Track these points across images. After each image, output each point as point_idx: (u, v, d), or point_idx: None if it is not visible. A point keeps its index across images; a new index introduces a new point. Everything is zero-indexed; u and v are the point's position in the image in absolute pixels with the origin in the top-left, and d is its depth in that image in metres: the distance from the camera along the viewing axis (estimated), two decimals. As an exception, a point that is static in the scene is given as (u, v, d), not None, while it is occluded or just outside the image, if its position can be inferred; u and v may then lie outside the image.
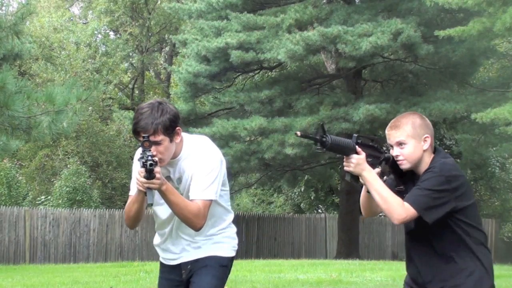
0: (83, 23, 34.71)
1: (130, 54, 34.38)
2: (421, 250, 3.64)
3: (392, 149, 3.65)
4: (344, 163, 3.55)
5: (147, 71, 36.70)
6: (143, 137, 3.53)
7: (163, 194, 3.56)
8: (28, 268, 17.65)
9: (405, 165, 3.63)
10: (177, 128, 3.70)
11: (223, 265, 3.87)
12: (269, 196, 32.39)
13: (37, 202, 24.89)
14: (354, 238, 23.23)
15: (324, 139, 3.45)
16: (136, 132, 3.66)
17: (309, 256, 24.11)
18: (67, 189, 24.02)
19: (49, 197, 24.80)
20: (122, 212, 21.83)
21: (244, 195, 31.85)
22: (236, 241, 3.98)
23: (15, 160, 27.02)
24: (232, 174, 22.17)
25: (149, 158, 3.44)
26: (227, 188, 3.91)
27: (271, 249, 25.22)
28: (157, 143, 3.61)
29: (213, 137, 20.15)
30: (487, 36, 17.09)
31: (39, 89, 19.82)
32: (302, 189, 29.39)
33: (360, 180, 3.57)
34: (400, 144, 3.63)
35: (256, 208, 31.84)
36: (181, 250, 3.88)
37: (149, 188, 3.51)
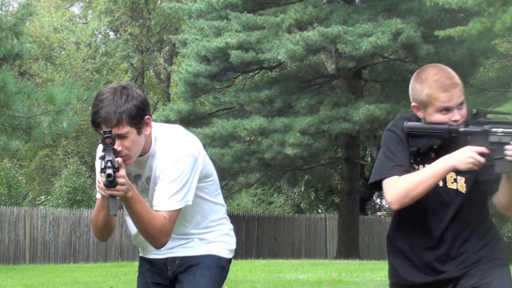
0: (83, 23, 34.72)
1: (130, 54, 34.39)
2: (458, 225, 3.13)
3: (446, 113, 3.03)
4: None
5: (147, 71, 36.70)
6: (105, 132, 2.91)
7: (127, 202, 2.97)
8: (28, 268, 17.65)
9: None
10: (146, 117, 3.06)
11: (220, 266, 3.32)
12: (269, 196, 32.39)
13: (37, 202, 24.89)
14: (354, 238, 23.23)
15: None
16: (96, 123, 3.03)
17: (309, 256, 24.10)
18: (67, 189, 24.02)
19: (49, 197, 24.81)
20: (122, 212, 21.78)
21: (244, 195, 31.86)
22: (234, 239, 3.42)
23: (15, 160, 27.04)
24: (232, 174, 22.20)
25: (109, 164, 2.82)
26: (212, 178, 3.31)
27: (271, 249, 25.22)
28: (122, 137, 2.99)
29: (213, 137, 20.22)
30: (487, 36, 17.08)
31: (39, 89, 19.83)
32: (302, 189, 29.40)
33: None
34: (461, 104, 3.05)
35: (256, 208, 31.84)
36: (169, 248, 3.28)
37: (112, 196, 2.90)
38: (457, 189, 3.10)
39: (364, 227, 25.60)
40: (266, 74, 25.52)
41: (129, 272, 14.18)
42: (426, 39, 19.20)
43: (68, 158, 27.46)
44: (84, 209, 22.44)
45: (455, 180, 3.10)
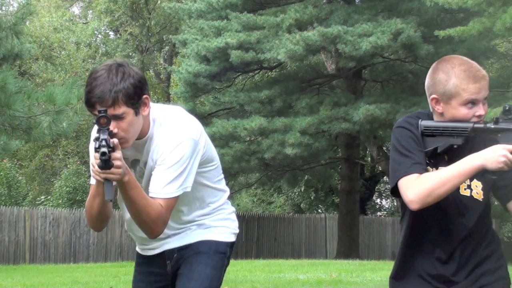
0: (83, 23, 34.73)
1: (130, 54, 34.39)
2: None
3: (471, 107, 2.83)
4: None
5: (147, 71, 36.70)
6: (99, 111, 2.67)
7: (123, 187, 2.79)
8: (28, 268, 17.66)
9: None
10: (144, 96, 2.83)
11: (219, 252, 3.11)
12: (269, 196, 32.39)
13: (37, 202, 24.89)
14: (354, 238, 23.24)
15: None
16: (90, 103, 2.77)
17: (309, 256, 24.11)
18: (67, 189, 24.02)
19: (49, 197, 24.81)
20: (122, 211, 21.85)
21: (244, 195, 31.85)
22: (235, 223, 3.22)
23: (15, 160, 27.03)
24: (232, 174, 22.20)
25: (103, 143, 2.61)
26: (214, 162, 3.12)
27: (271, 249, 25.22)
28: (118, 118, 2.76)
29: (213, 137, 20.20)
30: (487, 36, 17.07)
31: (39, 89, 19.84)
32: (302, 189, 29.40)
33: None
34: (486, 99, 2.85)
35: (256, 208, 31.83)
36: (165, 236, 3.09)
37: (107, 180, 2.71)
38: (471, 196, 2.91)
39: (364, 227, 25.60)
40: (266, 74, 25.52)
41: (129, 272, 14.16)
42: (426, 39, 19.20)
43: (68, 158, 27.46)
44: (84, 209, 22.42)
45: (469, 186, 2.90)
